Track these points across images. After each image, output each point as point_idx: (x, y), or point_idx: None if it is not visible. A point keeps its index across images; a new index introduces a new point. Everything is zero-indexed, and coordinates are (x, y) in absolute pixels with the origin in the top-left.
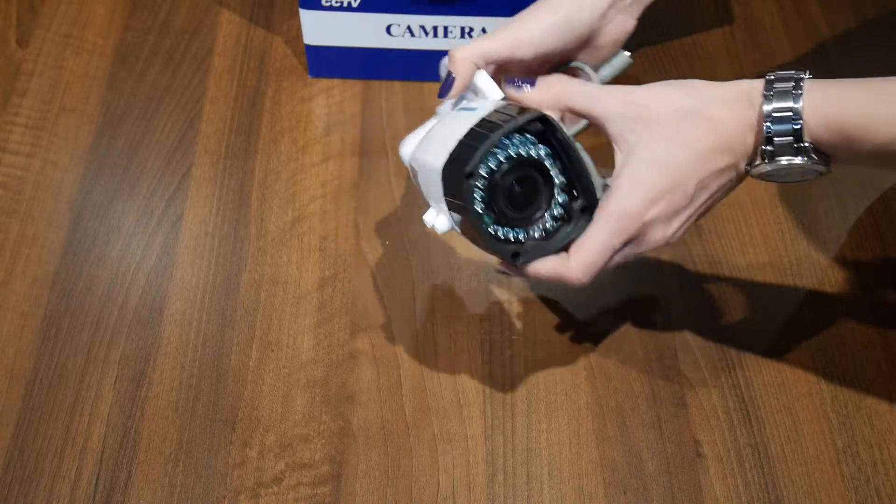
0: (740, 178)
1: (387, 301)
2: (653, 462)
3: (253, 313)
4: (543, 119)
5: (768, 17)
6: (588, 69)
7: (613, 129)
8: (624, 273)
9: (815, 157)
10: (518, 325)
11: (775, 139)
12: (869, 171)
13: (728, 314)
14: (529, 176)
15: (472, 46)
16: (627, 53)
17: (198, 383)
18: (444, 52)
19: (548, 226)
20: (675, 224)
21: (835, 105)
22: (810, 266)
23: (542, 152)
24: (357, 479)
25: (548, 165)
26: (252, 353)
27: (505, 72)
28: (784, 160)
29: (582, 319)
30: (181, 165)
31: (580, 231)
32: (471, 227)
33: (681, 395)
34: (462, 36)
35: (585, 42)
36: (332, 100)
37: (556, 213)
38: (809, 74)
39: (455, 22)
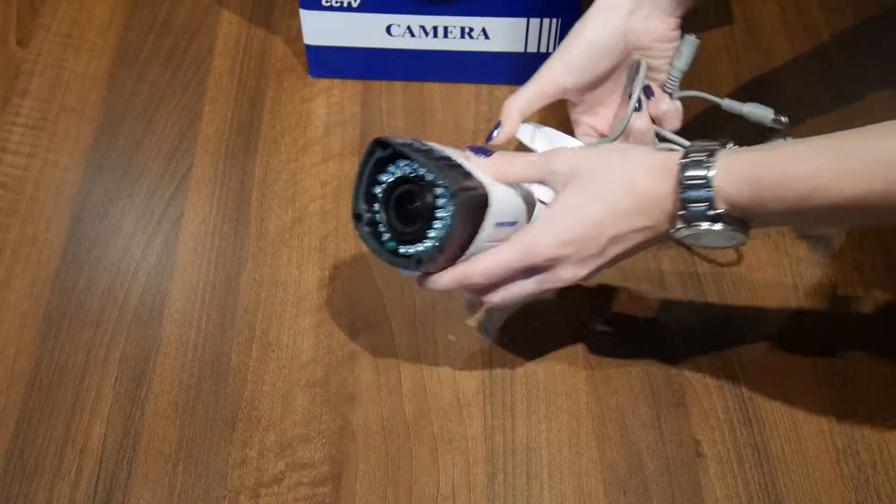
0: (661, 237)
1: (387, 301)
2: (653, 462)
3: (253, 313)
4: (381, 143)
5: (768, 17)
6: (643, 62)
7: (554, 184)
8: (624, 273)
9: (730, 223)
10: (519, 324)
11: (689, 206)
12: None
13: (728, 314)
14: (408, 191)
15: (518, 95)
16: (693, 37)
17: (198, 383)
18: (444, 52)
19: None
20: (587, 269)
21: (746, 168)
22: (810, 266)
23: (409, 168)
24: (357, 479)
25: (422, 174)
26: (252, 353)
27: (571, 105)
28: (702, 226)
29: (582, 320)
30: (181, 165)
31: (452, 219)
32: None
33: (681, 395)
34: (462, 36)
35: (629, 51)
36: (332, 100)
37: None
38: (732, 145)
39: (455, 22)
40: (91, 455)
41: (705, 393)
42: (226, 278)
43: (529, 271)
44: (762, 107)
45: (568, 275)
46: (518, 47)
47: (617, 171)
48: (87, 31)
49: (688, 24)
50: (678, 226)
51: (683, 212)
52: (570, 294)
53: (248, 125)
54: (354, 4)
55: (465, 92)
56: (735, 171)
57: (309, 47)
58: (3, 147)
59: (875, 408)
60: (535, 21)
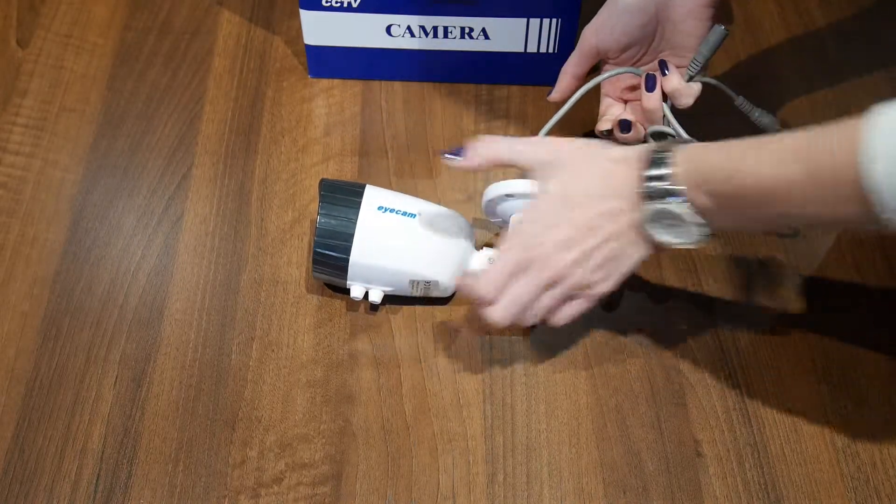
0: (639, 233)
1: (387, 301)
2: (652, 462)
3: (253, 313)
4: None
5: (768, 17)
6: (670, 65)
7: (535, 174)
8: None
9: (688, 202)
10: (518, 325)
11: (650, 182)
12: None
13: (728, 314)
14: None
15: (568, 60)
16: (722, 27)
17: (198, 383)
18: (444, 52)
19: None
20: (574, 253)
21: (695, 151)
22: (810, 266)
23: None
24: (357, 479)
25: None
26: (252, 353)
27: (604, 63)
28: (661, 203)
29: (582, 320)
30: (181, 165)
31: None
32: None
33: (681, 395)
34: (462, 36)
35: (660, 18)
36: (332, 100)
37: None
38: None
39: (455, 22)
40: (91, 455)
41: (705, 393)
42: (226, 278)
43: (524, 273)
44: (770, 116)
45: (559, 259)
46: (518, 47)
47: (590, 154)
48: (87, 32)
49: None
50: (644, 205)
51: (645, 184)
52: None
53: (248, 125)
54: (354, 4)
55: (465, 92)
56: (692, 163)
57: (309, 47)
58: (3, 147)
59: (875, 407)
60: (535, 21)
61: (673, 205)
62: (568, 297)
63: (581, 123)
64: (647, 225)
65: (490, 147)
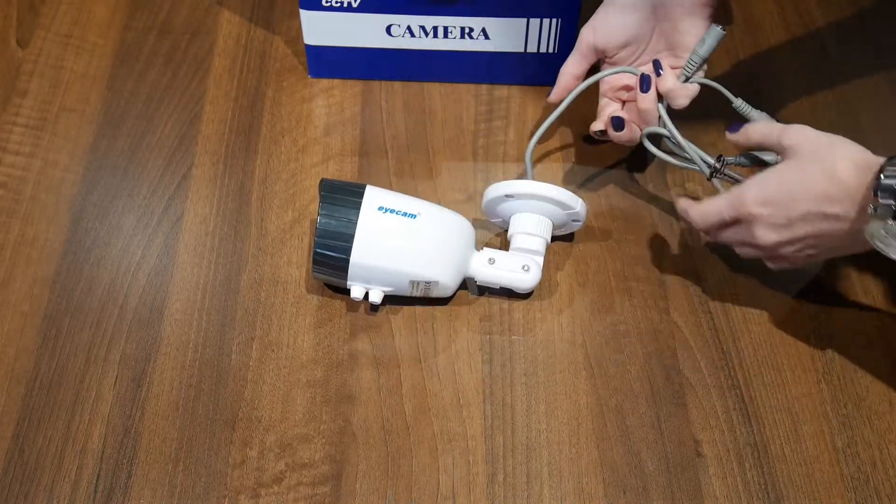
0: (853, 235)
1: (387, 301)
2: (652, 462)
3: (253, 313)
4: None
5: (768, 17)
6: (664, 65)
7: (781, 153)
8: (624, 272)
9: None
10: (518, 325)
11: (881, 197)
12: None
13: (728, 314)
14: None
15: (567, 60)
16: (719, 27)
17: (198, 383)
18: (444, 52)
19: None
20: (776, 235)
21: None
22: (810, 266)
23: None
24: (357, 479)
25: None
26: (252, 353)
27: (603, 62)
28: (890, 222)
29: (582, 319)
30: (181, 165)
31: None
32: None
33: (681, 395)
34: (462, 36)
35: (657, 16)
36: (332, 100)
37: None
38: None
39: (455, 22)
40: (91, 455)
41: (705, 393)
42: (226, 278)
43: (737, 224)
44: (769, 118)
45: (760, 233)
46: (518, 47)
47: (827, 157)
48: (87, 32)
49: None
50: (868, 219)
51: (873, 206)
52: (571, 296)
53: (248, 125)
54: (354, 4)
55: (465, 92)
56: None
57: (309, 47)
58: (3, 147)
59: (875, 407)
60: (535, 21)
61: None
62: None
63: (582, 121)
64: (872, 240)
65: (757, 131)
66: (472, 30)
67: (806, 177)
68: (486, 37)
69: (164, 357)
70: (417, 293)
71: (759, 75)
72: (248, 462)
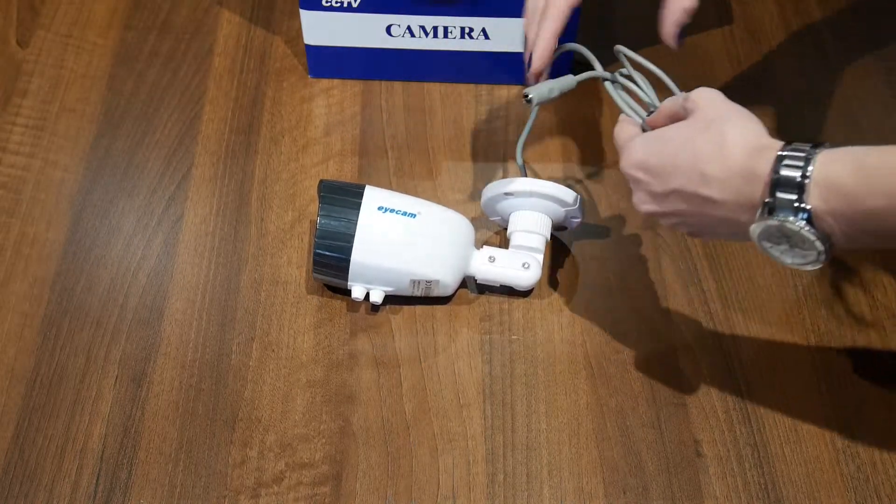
0: (734, 229)
1: (387, 301)
2: (652, 462)
3: (253, 313)
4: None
5: (768, 17)
6: (588, 53)
7: (688, 117)
8: (624, 272)
9: (814, 228)
10: (518, 325)
11: (778, 192)
12: None
13: (728, 314)
14: None
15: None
16: (573, 77)
17: (198, 383)
18: (444, 52)
19: None
20: (651, 206)
21: (850, 153)
22: (810, 266)
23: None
24: (357, 479)
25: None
26: (252, 353)
27: None
28: (787, 219)
29: (582, 319)
30: (181, 165)
31: None
32: None
33: (681, 395)
34: (462, 36)
35: None
36: (332, 100)
37: None
38: (828, 145)
39: (455, 22)
40: (91, 455)
41: (705, 393)
42: (226, 278)
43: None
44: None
45: (637, 199)
46: (518, 47)
47: (717, 130)
48: (87, 31)
49: (688, 25)
50: (760, 214)
51: (769, 199)
52: (570, 295)
53: (248, 125)
54: (354, 4)
55: (465, 92)
56: (836, 164)
57: (309, 47)
58: (3, 147)
59: (875, 407)
60: None
61: (794, 222)
62: None
63: (582, 121)
64: (758, 241)
65: (665, 104)
66: (472, 30)
67: (690, 147)
68: (486, 37)
69: (164, 357)
70: (418, 292)
71: (759, 75)
72: (248, 462)
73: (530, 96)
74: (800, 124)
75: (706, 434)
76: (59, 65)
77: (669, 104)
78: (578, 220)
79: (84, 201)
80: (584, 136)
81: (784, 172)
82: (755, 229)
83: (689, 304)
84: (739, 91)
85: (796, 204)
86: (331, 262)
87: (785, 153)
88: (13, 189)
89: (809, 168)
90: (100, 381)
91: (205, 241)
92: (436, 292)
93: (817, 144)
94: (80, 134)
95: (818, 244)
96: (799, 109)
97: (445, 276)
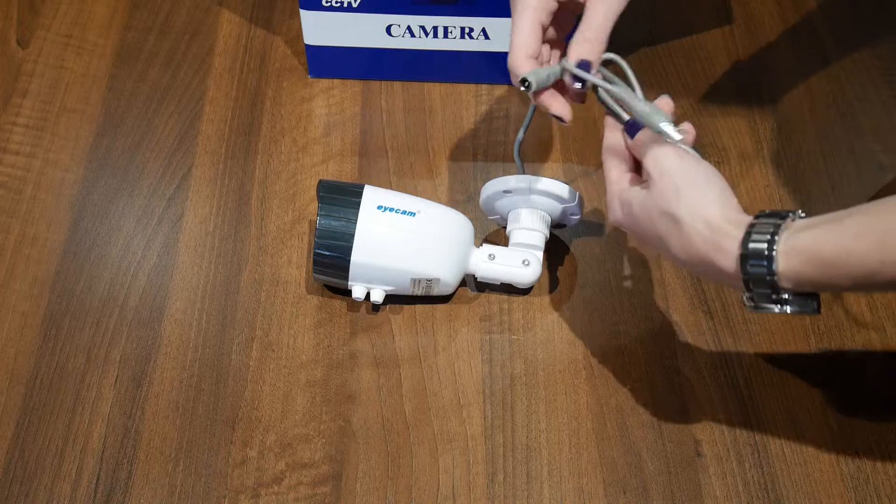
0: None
1: (387, 300)
2: (652, 462)
3: (253, 313)
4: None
5: (768, 17)
6: (619, 60)
7: (646, 168)
8: (624, 271)
9: (799, 305)
10: (518, 325)
11: (753, 289)
12: (868, 172)
13: (728, 314)
14: None
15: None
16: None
17: (198, 383)
18: (444, 52)
19: None
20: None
21: (808, 249)
22: None
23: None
24: (357, 479)
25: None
26: (252, 353)
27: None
28: (771, 307)
29: (582, 319)
30: (181, 165)
31: None
32: None
33: (681, 395)
34: (462, 36)
35: None
36: (332, 100)
37: None
38: (801, 213)
39: (455, 22)
40: (91, 455)
41: (705, 393)
42: (226, 278)
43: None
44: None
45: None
46: None
47: (673, 219)
48: (87, 32)
49: (688, 24)
50: (747, 304)
51: (749, 299)
52: (571, 296)
53: (248, 125)
54: (354, 4)
55: (465, 92)
56: (797, 257)
57: (309, 47)
58: (3, 147)
59: (875, 407)
60: None
61: (782, 308)
62: None
63: (581, 120)
64: (746, 303)
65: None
66: (472, 30)
67: (654, 229)
68: (486, 37)
69: (164, 357)
70: (419, 291)
71: (759, 75)
72: (248, 462)
73: (529, 81)
74: (800, 124)
75: (706, 434)
76: (59, 65)
77: (639, 142)
78: (578, 216)
79: (84, 201)
80: (583, 135)
81: (751, 270)
82: (741, 292)
83: (689, 303)
84: (740, 91)
85: (773, 296)
86: (331, 262)
87: (746, 251)
88: (13, 189)
89: (773, 266)
90: (100, 381)
91: (205, 241)
92: (436, 291)
93: (776, 228)
94: (80, 134)
95: (807, 310)
96: (799, 109)
97: (446, 275)
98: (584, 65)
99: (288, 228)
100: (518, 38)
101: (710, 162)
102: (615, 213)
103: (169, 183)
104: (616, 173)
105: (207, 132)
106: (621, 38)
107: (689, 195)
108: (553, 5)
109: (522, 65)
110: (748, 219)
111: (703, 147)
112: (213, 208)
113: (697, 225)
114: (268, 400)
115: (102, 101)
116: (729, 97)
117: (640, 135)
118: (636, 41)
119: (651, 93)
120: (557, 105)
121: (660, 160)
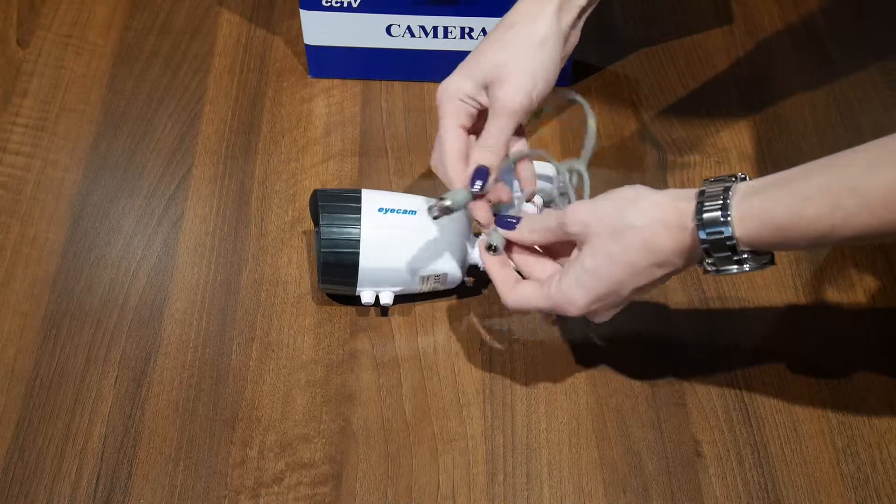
0: (688, 266)
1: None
2: (652, 462)
3: (253, 313)
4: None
5: (768, 17)
6: (585, 104)
7: (577, 240)
8: None
9: (756, 261)
10: (518, 324)
11: (715, 255)
12: None
13: (727, 314)
14: None
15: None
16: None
17: (198, 383)
18: (444, 52)
19: None
20: (613, 313)
21: (762, 217)
22: (809, 265)
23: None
24: (357, 478)
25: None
26: (252, 353)
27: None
28: (732, 269)
29: (582, 319)
30: (181, 165)
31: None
32: None
33: (681, 395)
34: (462, 36)
35: None
36: (332, 100)
37: None
38: (742, 175)
39: (455, 22)
40: (91, 455)
41: (705, 393)
42: (226, 278)
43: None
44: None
45: (597, 319)
46: None
47: (630, 230)
48: (87, 32)
49: (688, 24)
50: (708, 269)
51: (711, 264)
52: None
53: (248, 125)
54: (354, 4)
55: None
56: (751, 222)
57: (309, 47)
58: (3, 147)
59: (875, 408)
60: None
61: (741, 267)
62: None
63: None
64: (708, 268)
65: (528, 234)
66: (472, 30)
67: (624, 259)
68: None
69: (164, 357)
70: (426, 288)
71: (759, 75)
72: (248, 462)
73: (447, 203)
74: (800, 124)
75: (706, 434)
76: (59, 65)
77: (540, 224)
78: (567, 196)
79: (84, 201)
80: (582, 134)
81: (710, 238)
82: (702, 265)
83: (689, 304)
84: (740, 91)
85: (734, 257)
86: (339, 270)
87: (702, 220)
88: (13, 189)
89: (731, 231)
90: (100, 381)
91: (205, 241)
92: (444, 286)
93: (725, 192)
94: (80, 134)
95: (765, 259)
96: (799, 109)
97: (453, 268)
98: (482, 170)
99: (288, 228)
100: (446, 143)
101: (711, 162)
102: (576, 300)
103: (169, 183)
104: (530, 289)
105: (207, 132)
106: (621, 38)
107: (625, 204)
108: (472, 111)
109: (454, 177)
110: (694, 190)
111: (703, 147)
112: (213, 208)
113: (651, 213)
114: (268, 400)
115: (102, 101)
116: (729, 97)
117: (543, 222)
118: (636, 41)
119: (651, 92)
120: (481, 212)
121: (578, 214)
